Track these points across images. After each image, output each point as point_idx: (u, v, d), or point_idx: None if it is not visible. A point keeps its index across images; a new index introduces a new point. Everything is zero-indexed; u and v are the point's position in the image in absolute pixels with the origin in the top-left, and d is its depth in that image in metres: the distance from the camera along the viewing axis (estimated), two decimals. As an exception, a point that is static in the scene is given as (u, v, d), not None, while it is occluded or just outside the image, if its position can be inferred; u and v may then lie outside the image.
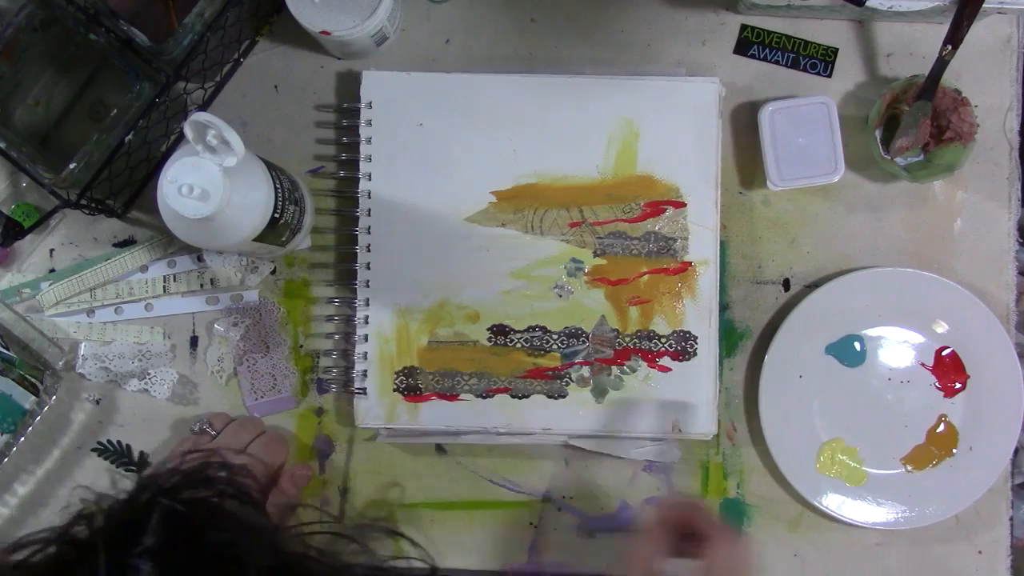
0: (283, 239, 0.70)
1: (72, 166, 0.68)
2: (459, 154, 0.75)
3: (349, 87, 0.77)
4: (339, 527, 0.42)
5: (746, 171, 0.77)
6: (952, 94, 0.73)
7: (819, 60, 0.77)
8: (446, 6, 0.78)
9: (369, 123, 0.76)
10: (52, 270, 0.78)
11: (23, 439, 0.74)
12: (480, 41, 0.78)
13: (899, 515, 0.75)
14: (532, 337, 0.75)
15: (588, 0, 0.78)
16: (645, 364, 0.75)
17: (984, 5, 0.68)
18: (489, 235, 0.75)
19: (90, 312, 0.78)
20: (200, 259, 0.78)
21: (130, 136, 0.69)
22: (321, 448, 0.77)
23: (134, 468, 0.78)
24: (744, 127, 0.77)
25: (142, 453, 0.78)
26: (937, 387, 0.76)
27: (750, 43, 0.78)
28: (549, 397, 0.75)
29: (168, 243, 0.77)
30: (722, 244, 0.76)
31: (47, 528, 0.36)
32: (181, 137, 0.77)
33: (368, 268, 0.76)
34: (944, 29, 0.71)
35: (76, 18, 0.69)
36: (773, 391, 0.75)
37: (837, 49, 0.77)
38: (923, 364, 0.76)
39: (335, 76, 0.78)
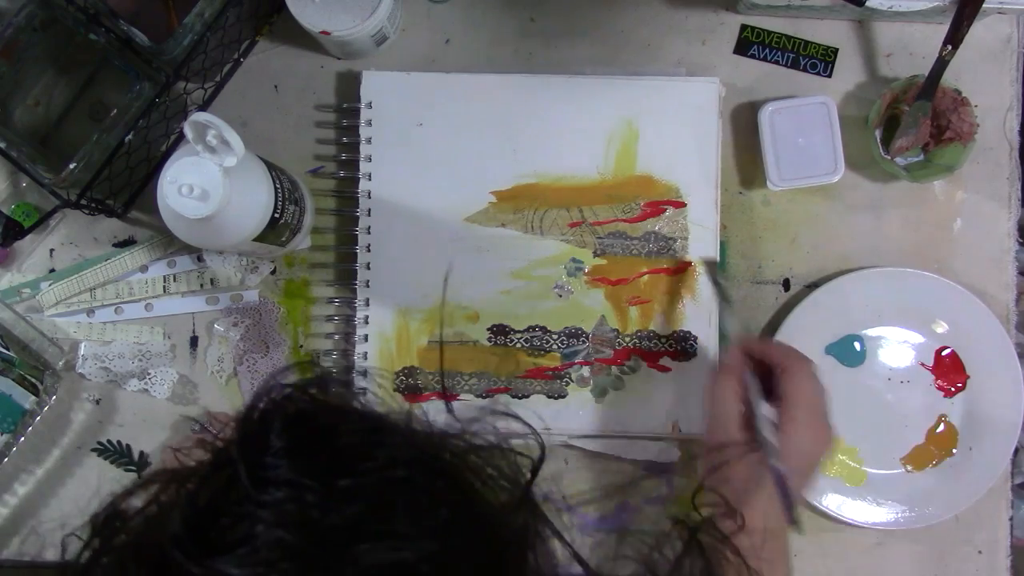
0: (283, 239, 0.70)
1: (72, 166, 0.68)
2: (459, 154, 0.75)
3: (349, 87, 0.77)
4: (455, 413, 0.42)
5: (746, 171, 0.77)
6: (952, 94, 0.73)
7: (819, 60, 0.77)
8: (446, 6, 0.78)
9: (369, 123, 0.76)
10: (52, 270, 0.78)
11: (23, 439, 0.74)
12: (480, 41, 0.78)
13: (899, 515, 0.75)
14: (532, 337, 0.75)
15: (588, 0, 0.78)
16: (645, 364, 0.75)
17: (984, 5, 0.68)
18: (489, 235, 0.75)
19: (90, 312, 0.78)
20: (200, 259, 0.78)
21: (130, 136, 0.69)
22: (321, 448, 0.77)
23: (134, 468, 0.78)
24: (744, 127, 0.77)
25: (142, 453, 0.78)
26: (937, 387, 0.76)
27: (750, 43, 0.78)
28: (549, 397, 0.75)
29: (168, 243, 0.77)
30: (722, 244, 0.76)
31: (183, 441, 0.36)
32: (181, 137, 0.77)
33: (368, 268, 0.76)
34: (944, 29, 0.71)
35: (76, 18, 0.69)
36: (773, 391, 0.75)
37: (837, 49, 0.77)
38: (923, 364, 0.76)
39: (335, 76, 0.78)
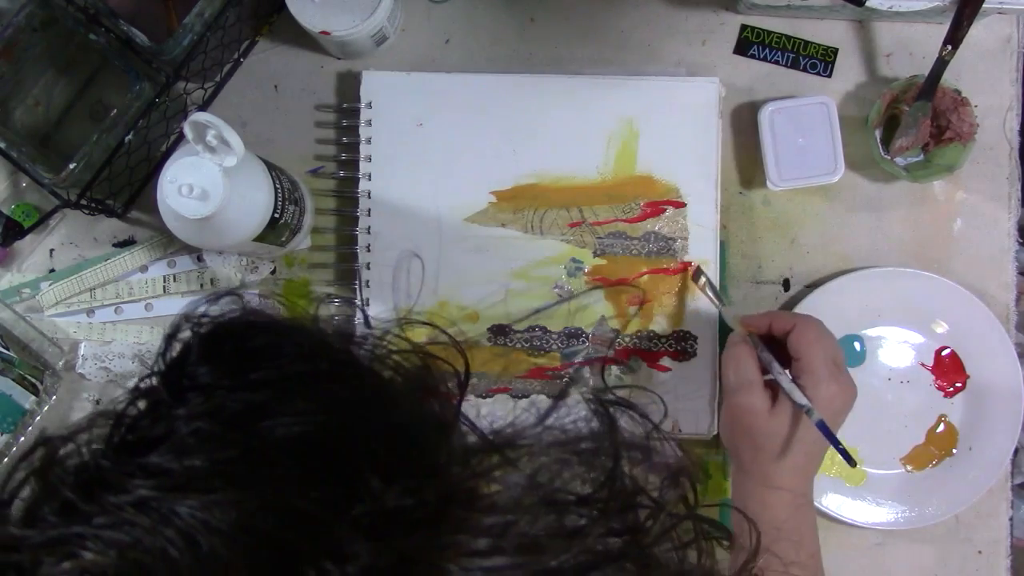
0: (283, 239, 0.70)
1: (72, 166, 0.68)
2: (459, 154, 0.75)
3: (349, 87, 0.77)
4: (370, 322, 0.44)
5: (746, 171, 0.77)
6: (952, 94, 0.73)
7: (819, 60, 0.77)
8: (446, 6, 0.78)
9: (369, 123, 0.76)
10: (52, 270, 0.78)
11: (23, 439, 0.74)
12: (480, 41, 0.78)
13: (899, 515, 0.75)
14: (532, 337, 0.75)
15: (588, 0, 0.78)
16: (645, 364, 0.75)
17: (984, 5, 0.68)
18: (489, 235, 0.75)
19: (90, 312, 0.78)
20: (200, 259, 0.78)
21: (130, 136, 0.69)
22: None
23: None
24: (744, 127, 0.77)
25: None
26: (937, 387, 0.76)
27: (750, 43, 0.78)
28: (549, 397, 0.75)
29: (168, 243, 0.77)
30: (722, 244, 0.76)
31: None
32: (181, 137, 0.77)
33: (368, 268, 0.76)
34: (944, 29, 0.71)
35: (76, 18, 0.69)
36: (773, 391, 0.75)
37: (837, 49, 0.77)
38: (923, 364, 0.76)
39: (335, 76, 0.78)
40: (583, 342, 0.75)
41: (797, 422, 0.62)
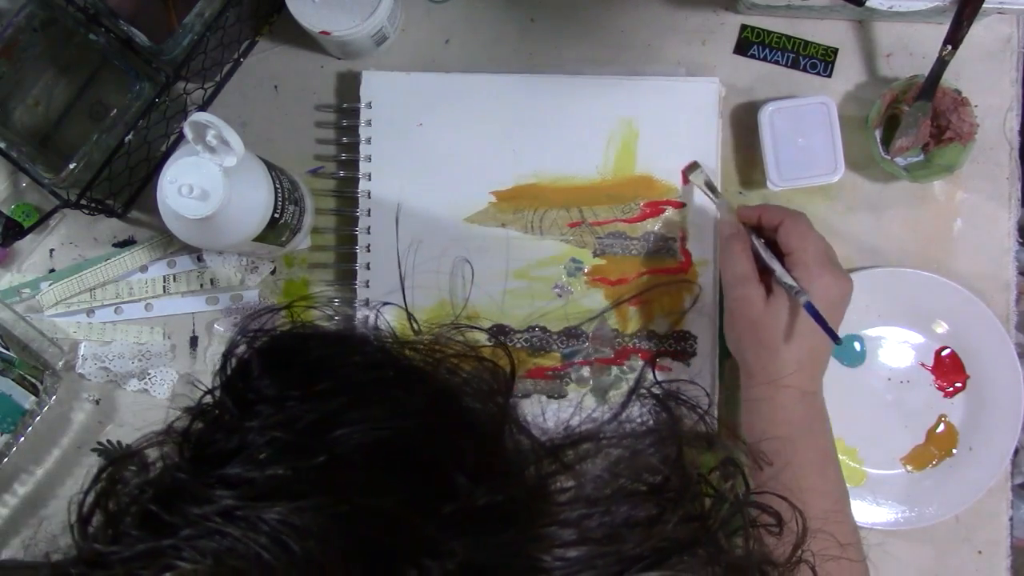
0: (283, 239, 0.70)
1: (72, 166, 0.68)
2: (459, 154, 0.75)
3: (349, 87, 0.77)
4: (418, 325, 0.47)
5: (746, 171, 0.77)
6: (952, 94, 0.73)
7: (819, 60, 0.77)
8: (446, 6, 0.78)
9: (369, 123, 0.76)
10: (52, 270, 0.78)
11: (23, 439, 0.74)
12: (480, 41, 0.78)
13: (899, 515, 0.75)
14: (532, 337, 0.75)
15: (588, 0, 0.78)
16: (645, 364, 0.75)
17: (984, 5, 0.68)
18: (489, 235, 0.75)
19: (90, 312, 0.78)
20: (200, 259, 0.78)
21: (130, 136, 0.69)
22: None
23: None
24: (744, 127, 0.77)
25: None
26: (937, 387, 0.76)
27: (750, 43, 0.78)
28: (549, 397, 0.75)
29: (168, 243, 0.77)
30: (722, 244, 0.76)
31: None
32: (181, 137, 0.77)
33: (368, 268, 0.76)
34: (944, 29, 0.71)
35: (76, 18, 0.69)
36: (773, 391, 0.75)
37: (837, 49, 0.77)
38: (923, 364, 0.76)
39: (335, 76, 0.78)
40: (583, 342, 0.75)
41: (795, 312, 0.64)
